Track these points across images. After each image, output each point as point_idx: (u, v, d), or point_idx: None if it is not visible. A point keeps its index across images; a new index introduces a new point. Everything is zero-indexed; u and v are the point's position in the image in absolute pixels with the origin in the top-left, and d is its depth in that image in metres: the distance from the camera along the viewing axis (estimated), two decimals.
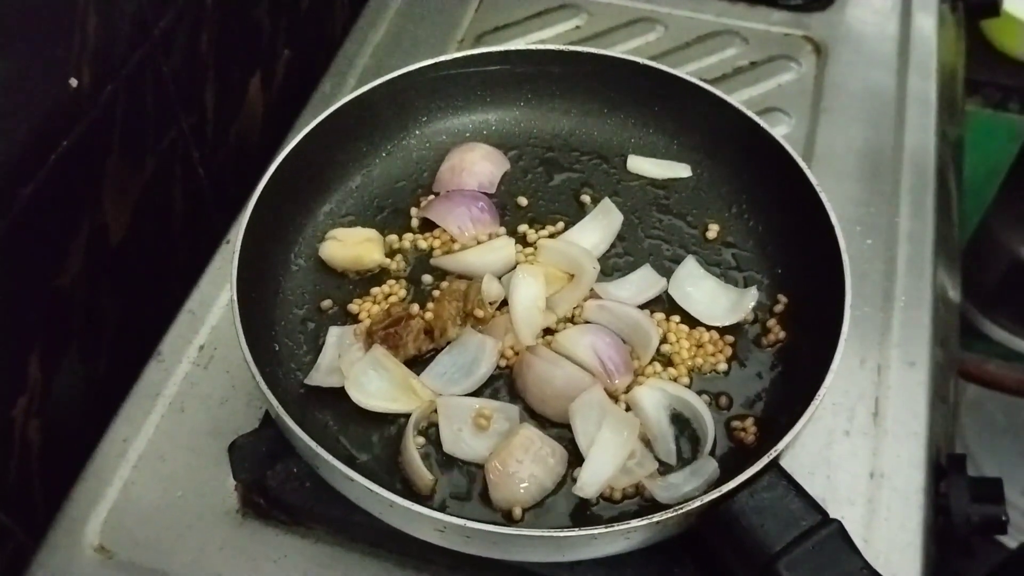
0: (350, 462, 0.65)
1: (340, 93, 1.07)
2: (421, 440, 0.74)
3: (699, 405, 0.75)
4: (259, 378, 0.68)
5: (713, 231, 0.87)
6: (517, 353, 0.78)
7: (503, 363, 0.78)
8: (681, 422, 0.76)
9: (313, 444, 0.64)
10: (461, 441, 0.74)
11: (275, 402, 0.66)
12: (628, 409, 0.76)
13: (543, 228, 0.88)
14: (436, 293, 0.83)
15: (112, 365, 0.89)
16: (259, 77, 1.07)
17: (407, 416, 0.74)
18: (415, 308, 0.80)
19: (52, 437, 0.82)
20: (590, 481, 0.70)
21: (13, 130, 0.71)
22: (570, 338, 0.78)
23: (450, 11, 1.18)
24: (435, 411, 0.75)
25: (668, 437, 0.74)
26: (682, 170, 0.91)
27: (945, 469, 0.84)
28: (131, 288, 0.91)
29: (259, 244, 0.77)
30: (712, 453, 0.73)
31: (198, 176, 0.99)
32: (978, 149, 1.57)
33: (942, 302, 0.96)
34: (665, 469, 0.73)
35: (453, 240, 0.86)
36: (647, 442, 0.74)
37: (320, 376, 0.77)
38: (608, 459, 0.70)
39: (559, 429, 0.75)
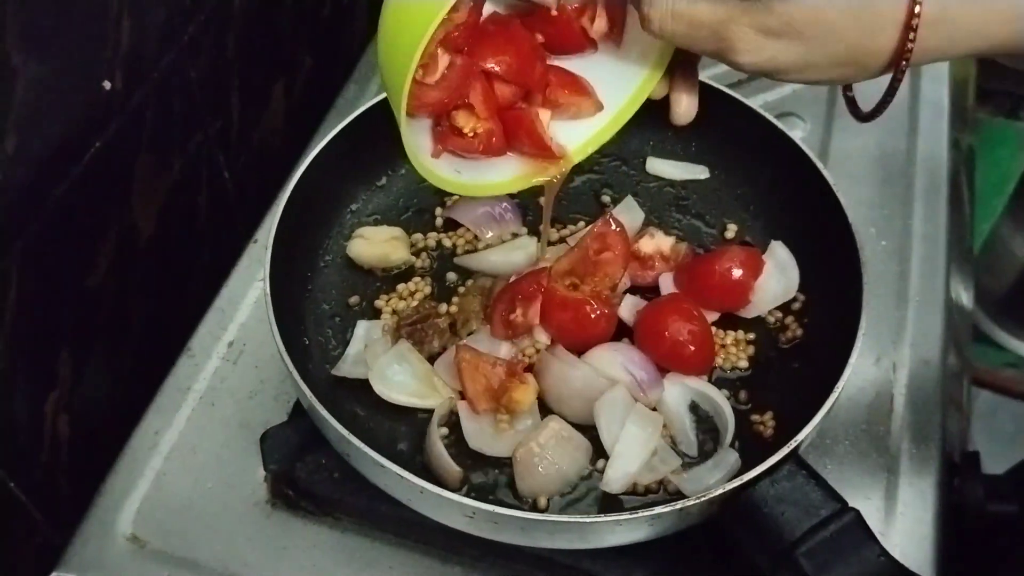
0: (379, 451, 0.66)
1: (363, 98, 1.09)
2: (445, 431, 0.76)
3: (719, 399, 0.76)
4: (292, 369, 0.69)
5: (731, 231, 0.89)
6: (538, 351, 0.80)
7: (526, 361, 0.79)
8: (702, 416, 0.77)
9: (346, 432, 0.66)
10: (485, 437, 0.75)
11: (308, 392, 0.68)
12: (654, 409, 0.77)
13: (564, 228, 0.90)
14: (461, 290, 0.84)
15: (140, 362, 0.90)
16: (282, 84, 1.09)
17: (431, 410, 0.76)
18: (443, 308, 0.82)
19: (81, 432, 0.83)
20: (616, 476, 0.71)
21: (48, 131, 0.73)
22: (601, 358, 0.78)
23: None
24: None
25: (689, 431, 0.76)
26: (700, 172, 0.93)
27: (959, 466, 0.85)
28: (158, 286, 0.93)
29: (289, 242, 0.79)
30: (732, 446, 0.75)
31: (223, 178, 1.00)
32: (989, 157, 1.58)
33: (955, 304, 0.97)
34: (687, 463, 0.75)
35: (476, 239, 0.88)
36: (670, 437, 0.76)
37: (347, 367, 0.78)
38: (633, 455, 0.72)
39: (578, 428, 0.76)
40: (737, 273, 0.81)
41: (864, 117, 0.65)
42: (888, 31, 0.55)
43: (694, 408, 0.78)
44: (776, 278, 0.83)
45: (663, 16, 0.57)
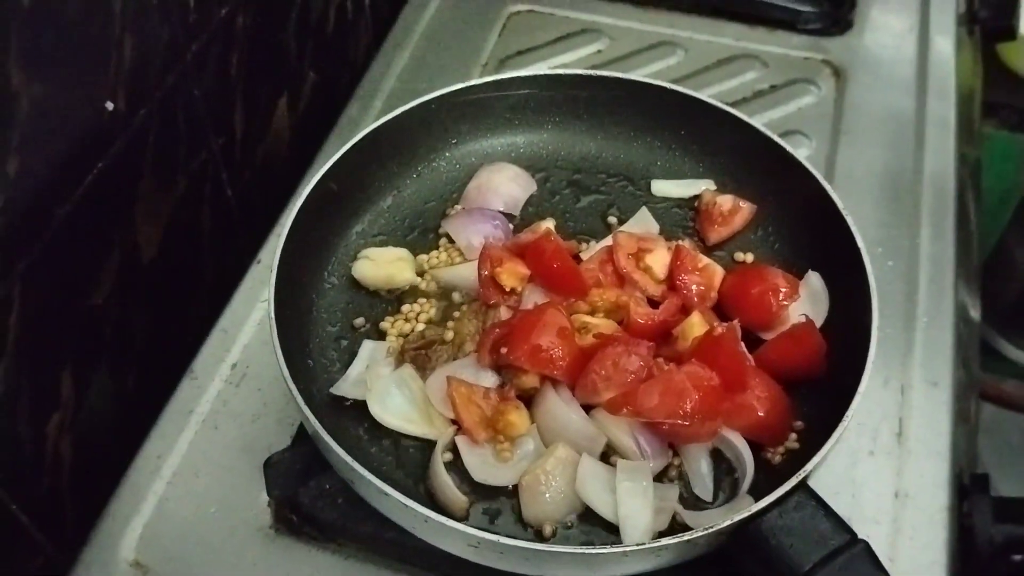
0: (383, 476, 0.66)
1: (367, 116, 1.09)
2: (449, 455, 0.75)
3: (743, 446, 0.74)
4: (296, 394, 0.69)
5: (740, 253, 0.89)
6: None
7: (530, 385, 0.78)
8: (721, 463, 0.76)
9: (348, 458, 0.66)
10: (488, 467, 0.74)
11: (312, 417, 0.67)
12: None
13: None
14: (456, 314, 0.84)
15: (143, 382, 0.90)
16: (286, 99, 1.08)
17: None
18: (449, 335, 0.81)
19: (84, 453, 0.83)
20: (635, 536, 0.69)
21: (51, 152, 0.72)
22: (612, 419, 0.76)
23: (473, 36, 1.19)
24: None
25: (706, 475, 0.74)
26: (706, 184, 0.93)
27: (968, 489, 0.84)
28: (161, 306, 0.92)
29: (294, 264, 0.79)
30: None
31: (227, 196, 1.00)
32: (994, 170, 1.58)
33: (963, 321, 0.96)
34: (702, 505, 0.74)
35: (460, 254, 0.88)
36: (683, 477, 0.75)
37: (347, 387, 0.78)
38: (641, 508, 0.70)
39: None
40: (775, 298, 0.81)
41: None
42: None
43: (715, 453, 0.76)
44: (807, 307, 0.82)
45: None
